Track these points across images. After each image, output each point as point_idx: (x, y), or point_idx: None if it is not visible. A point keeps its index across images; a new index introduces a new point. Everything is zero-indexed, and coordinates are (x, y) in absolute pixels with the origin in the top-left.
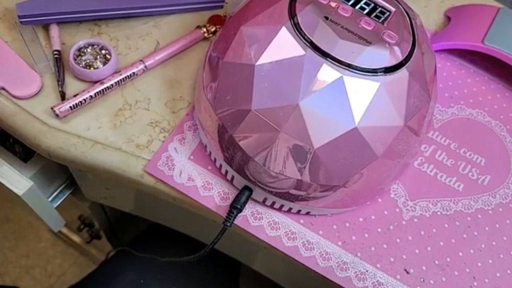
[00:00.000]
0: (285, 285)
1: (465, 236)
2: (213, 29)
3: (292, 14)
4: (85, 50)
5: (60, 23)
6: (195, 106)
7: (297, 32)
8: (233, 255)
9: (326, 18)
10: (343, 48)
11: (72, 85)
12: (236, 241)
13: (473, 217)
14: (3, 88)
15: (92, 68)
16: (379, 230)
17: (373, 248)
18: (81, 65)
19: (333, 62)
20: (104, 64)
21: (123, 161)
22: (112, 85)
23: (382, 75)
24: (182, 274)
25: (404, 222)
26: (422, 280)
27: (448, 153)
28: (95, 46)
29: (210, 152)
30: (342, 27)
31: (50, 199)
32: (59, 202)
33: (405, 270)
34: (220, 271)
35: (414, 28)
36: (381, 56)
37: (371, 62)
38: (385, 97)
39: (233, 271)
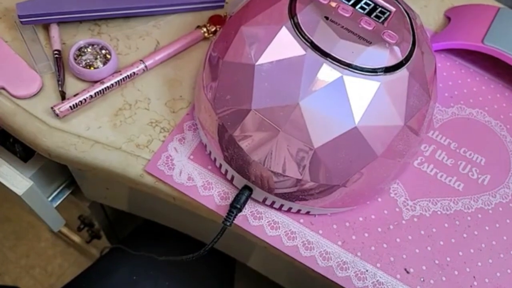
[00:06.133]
0: (281, 282)
1: (465, 235)
2: (213, 29)
3: (292, 14)
4: (85, 50)
5: (60, 23)
6: (195, 105)
7: (297, 32)
8: (228, 252)
9: (326, 18)
10: (343, 48)
11: (72, 84)
12: (232, 239)
13: (473, 216)
14: (3, 88)
15: (92, 68)
16: (379, 229)
17: (373, 248)
18: (81, 65)
19: (333, 62)
20: (104, 64)
21: (123, 160)
22: (112, 84)
23: (382, 75)
24: (175, 271)
25: (404, 222)
26: (422, 279)
27: (448, 153)
28: (95, 46)
29: (210, 152)
30: (342, 27)
31: (50, 199)
32: (59, 202)
33: (405, 269)
34: (214, 268)
35: (414, 28)
36: (381, 56)
37: (371, 62)
38: (385, 96)
39: (228, 268)
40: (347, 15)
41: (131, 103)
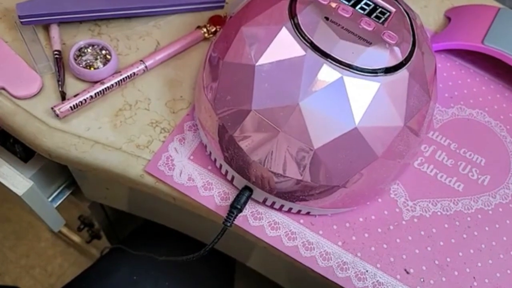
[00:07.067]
0: (281, 283)
1: (465, 236)
2: (213, 30)
3: (292, 14)
4: (86, 50)
5: (60, 23)
6: (195, 106)
7: (297, 33)
8: (228, 252)
9: (327, 18)
10: (343, 49)
11: (72, 85)
12: (232, 240)
13: (473, 217)
14: (3, 88)
15: (92, 68)
16: (379, 230)
17: (373, 248)
18: (81, 65)
19: (333, 62)
20: (104, 64)
21: (123, 161)
22: (112, 85)
23: (382, 75)
24: (176, 271)
25: (404, 222)
26: (422, 280)
27: (448, 153)
28: (95, 46)
29: (210, 152)
30: (342, 27)
31: (50, 199)
32: (59, 202)
33: (405, 270)
34: (215, 268)
35: (414, 28)
36: (381, 57)
37: (371, 63)
38: (385, 97)
39: (228, 268)
40: (347, 15)
41: (131, 103)
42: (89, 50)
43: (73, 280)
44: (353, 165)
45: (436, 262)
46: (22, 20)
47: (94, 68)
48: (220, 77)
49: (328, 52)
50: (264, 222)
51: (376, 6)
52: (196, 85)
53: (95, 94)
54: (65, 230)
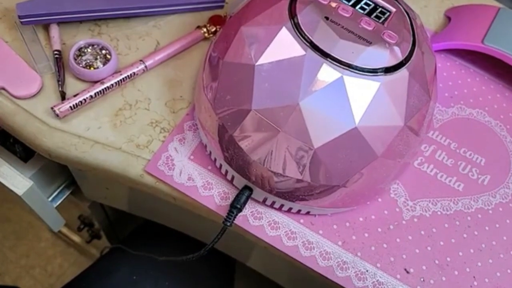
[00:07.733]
0: (281, 282)
1: (465, 235)
2: (213, 29)
3: (292, 14)
4: (85, 50)
5: (60, 23)
6: (195, 106)
7: (297, 32)
8: (228, 252)
9: (327, 18)
10: (343, 48)
11: (72, 85)
12: (232, 239)
13: (473, 216)
14: (3, 88)
15: (92, 68)
16: (379, 229)
17: (373, 248)
18: (81, 65)
19: (333, 62)
20: (104, 64)
21: (123, 161)
22: (112, 85)
23: (382, 75)
24: (176, 271)
25: (404, 222)
26: (422, 279)
27: (448, 153)
28: (95, 46)
29: (210, 152)
30: (343, 27)
31: (50, 199)
32: (59, 202)
33: (405, 269)
34: (215, 268)
35: (414, 28)
36: (381, 56)
37: (371, 62)
38: (385, 97)
39: (228, 268)
40: (347, 15)
41: (131, 103)
42: (89, 50)
43: (73, 280)
44: (353, 165)
45: (436, 261)
46: (22, 20)
47: (94, 68)
48: (220, 77)
49: (328, 51)
50: (264, 222)
51: (376, 6)
52: (196, 85)
53: (95, 94)
54: (65, 230)
